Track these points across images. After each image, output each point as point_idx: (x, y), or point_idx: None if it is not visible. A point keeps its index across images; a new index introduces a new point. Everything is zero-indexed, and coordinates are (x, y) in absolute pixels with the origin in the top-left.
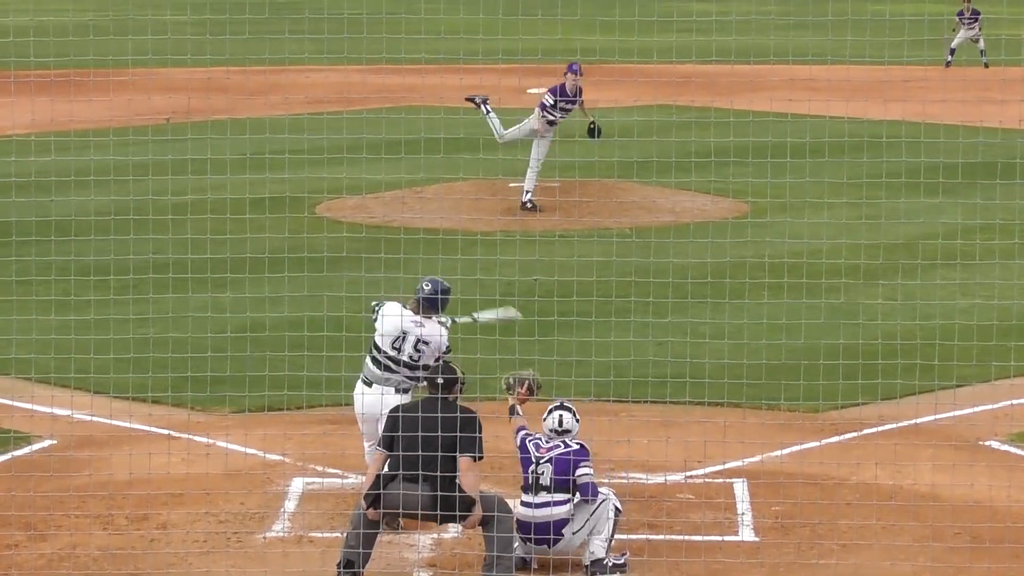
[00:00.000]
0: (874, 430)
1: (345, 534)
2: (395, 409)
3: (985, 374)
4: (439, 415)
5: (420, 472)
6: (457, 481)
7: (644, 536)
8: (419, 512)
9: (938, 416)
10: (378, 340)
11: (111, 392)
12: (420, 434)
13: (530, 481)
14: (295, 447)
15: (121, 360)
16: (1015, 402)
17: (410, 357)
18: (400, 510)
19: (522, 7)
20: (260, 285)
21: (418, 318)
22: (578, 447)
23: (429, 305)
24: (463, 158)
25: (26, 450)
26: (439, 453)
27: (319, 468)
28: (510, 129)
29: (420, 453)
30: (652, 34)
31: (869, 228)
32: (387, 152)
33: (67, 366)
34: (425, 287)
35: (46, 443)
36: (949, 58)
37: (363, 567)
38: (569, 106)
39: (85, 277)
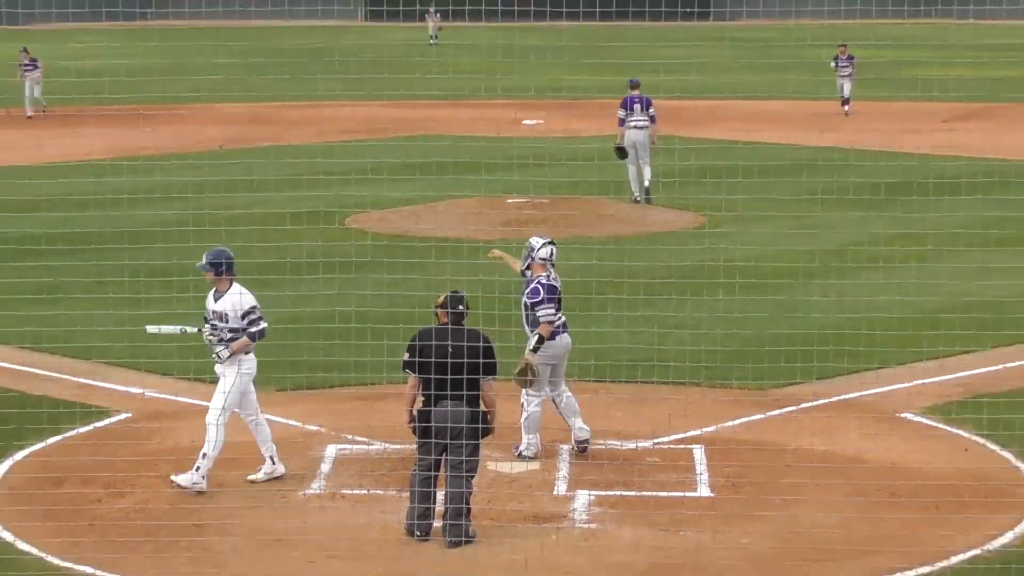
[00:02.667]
0: (809, 404)
1: (411, 492)
2: (420, 336)
3: (901, 358)
4: (464, 343)
5: (463, 393)
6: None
7: (619, 492)
8: (463, 426)
9: (862, 393)
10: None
11: (175, 374)
12: (449, 360)
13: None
14: (329, 419)
15: (183, 347)
16: (926, 381)
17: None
18: (448, 424)
19: (517, 52)
20: (299, 285)
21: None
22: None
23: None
24: (468, 178)
25: (106, 422)
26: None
27: (349, 436)
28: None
29: (462, 376)
30: (625, 74)
31: (807, 237)
32: (405, 173)
33: (139, 352)
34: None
35: (123, 416)
36: (846, 108)
37: (433, 518)
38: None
39: (152, 278)
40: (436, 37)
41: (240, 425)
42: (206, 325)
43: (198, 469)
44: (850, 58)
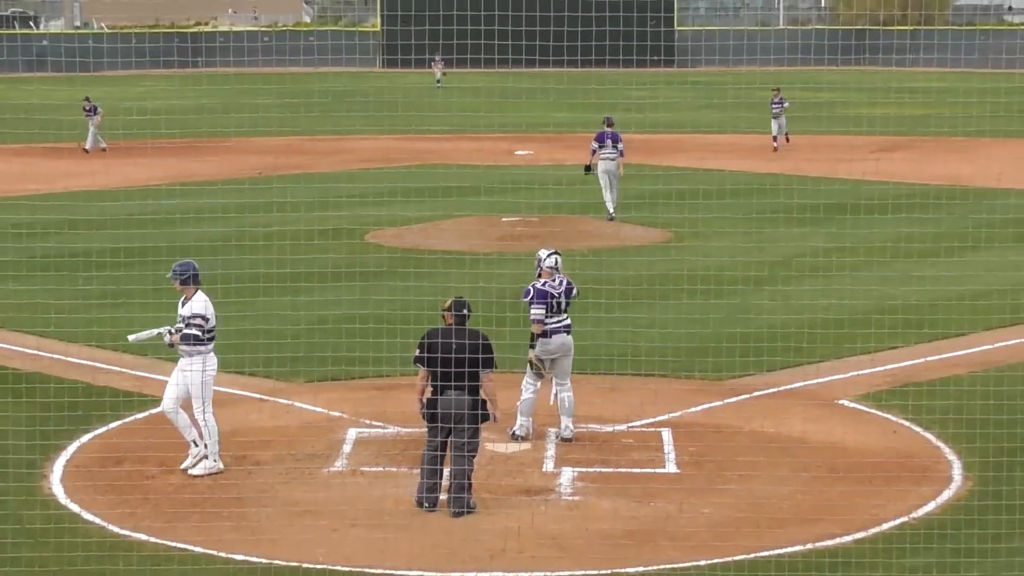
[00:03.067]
0: (760, 393)
1: (421, 469)
2: (429, 335)
3: (838, 352)
4: (466, 341)
5: (465, 384)
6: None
7: (598, 469)
8: (466, 412)
9: (806, 383)
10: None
11: (219, 368)
12: (454, 355)
13: (552, 308)
14: (350, 406)
15: (227, 344)
16: (860, 372)
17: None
18: (453, 411)
19: (511, 94)
20: (325, 291)
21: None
22: (568, 279)
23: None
24: (469, 200)
25: (160, 409)
26: (468, 369)
27: (367, 421)
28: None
29: (464, 369)
30: (602, 112)
31: (757, 250)
32: (415, 196)
33: None
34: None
35: None
36: (775, 144)
37: (440, 492)
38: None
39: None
40: (441, 81)
41: (276, 409)
42: (177, 325)
43: (206, 457)
44: (781, 100)
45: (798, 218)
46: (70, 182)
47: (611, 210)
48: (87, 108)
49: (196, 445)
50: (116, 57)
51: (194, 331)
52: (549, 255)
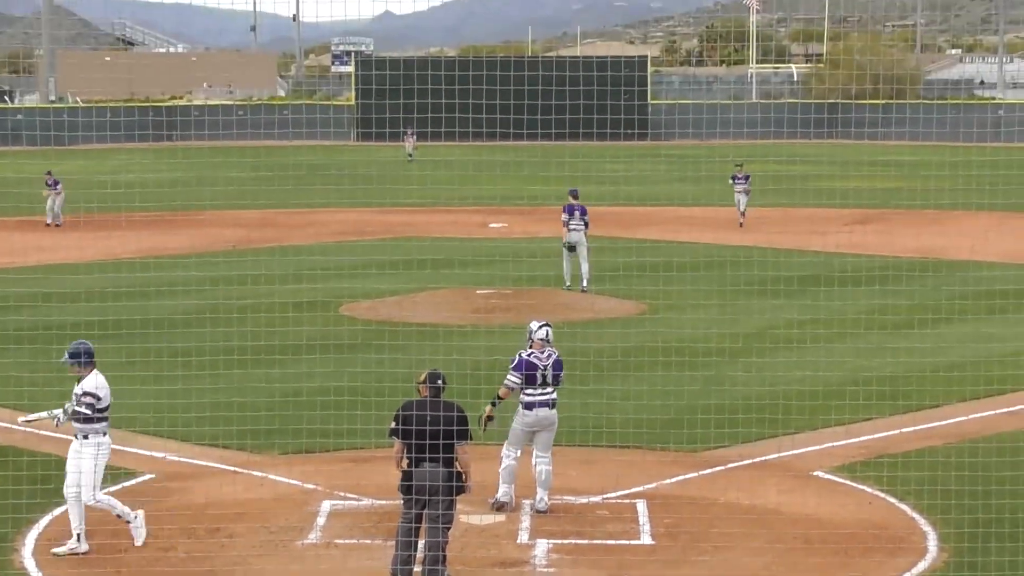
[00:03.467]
0: (735, 464)
1: (395, 541)
2: (404, 407)
3: (813, 424)
4: (441, 413)
5: (440, 456)
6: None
7: (573, 540)
8: (440, 484)
9: (780, 454)
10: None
11: (193, 440)
12: (428, 428)
13: (538, 380)
14: (324, 478)
15: (201, 417)
16: (835, 444)
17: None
18: (428, 483)
19: (485, 166)
20: (299, 364)
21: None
22: (558, 353)
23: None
24: (443, 272)
25: (133, 482)
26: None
27: (341, 493)
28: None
29: (440, 441)
30: (578, 185)
31: (731, 321)
32: (389, 269)
33: (162, 421)
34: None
35: (147, 476)
36: (741, 220)
37: (414, 564)
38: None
39: (174, 358)
40: (412, 155)
41: (249, 482)
42: (69, 403)
43: (79, 538)
44: (746, 176)
45: (772, 290)
46: (43, 256)
47: (568, 281)
48: (49, 182)
49: (78, 541)
50: (91, 131)
51: (84, 409)
52: (540, 327)
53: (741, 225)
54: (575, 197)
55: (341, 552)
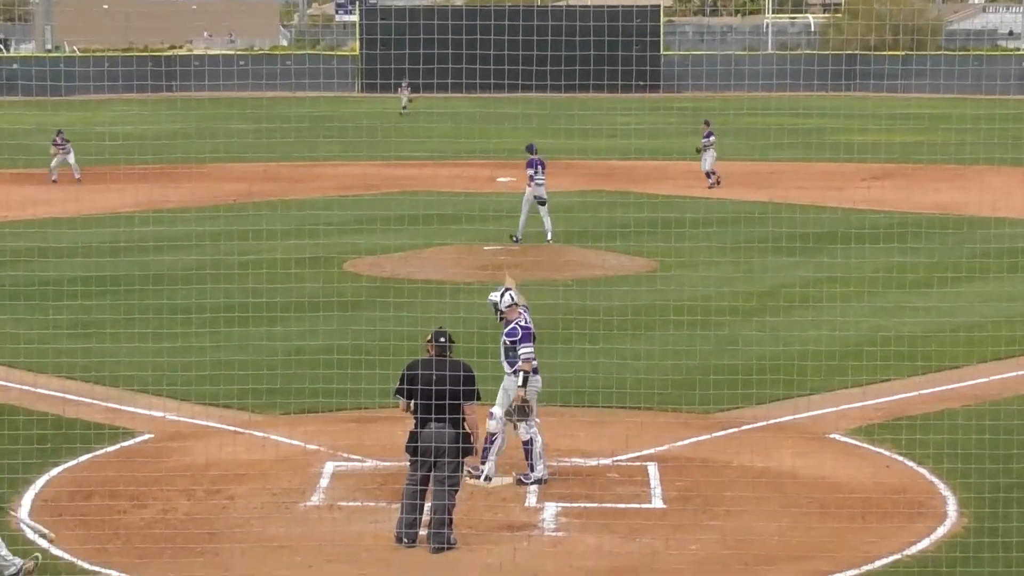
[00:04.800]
0: (749, 426)
1: (401, 504)
2: (410, 367)
3: (829, 385)
4: (447, 372)
5: (447, 416)
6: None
7: (583, 504)
8: (447, 446)
9: (795, 416)
10: None
11: (193, 399)
12: (435, 387)
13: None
14: (327, 439)
15: (201, 376)
16: (851, 406)
17: None
18: (434, 444)
19: (492, 119)
20: (302, 321)
21: None
22: None
23: None
24: (450, 228)
25: (131, 442)
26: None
27: (345, 455)
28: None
29: (446, 402)
30: (587, 138)
31: (746, 279)
32: (395, 224)
33: (161, 380)
34: None
35: (146, 436)
36: (710, 181)
37: (419, 528)
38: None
39: (174, 315)
40: (407, 107)
41: (251, 442)
42: None
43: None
44: (710, 134)
45: (787, 247)
46: (39, 209)
47: (550, 235)
48: (58, 141)
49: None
50: (88, 81)
51: None
52: (502, 294)
53: (711, 186)
54: (534, 152)
55: (344, 515)
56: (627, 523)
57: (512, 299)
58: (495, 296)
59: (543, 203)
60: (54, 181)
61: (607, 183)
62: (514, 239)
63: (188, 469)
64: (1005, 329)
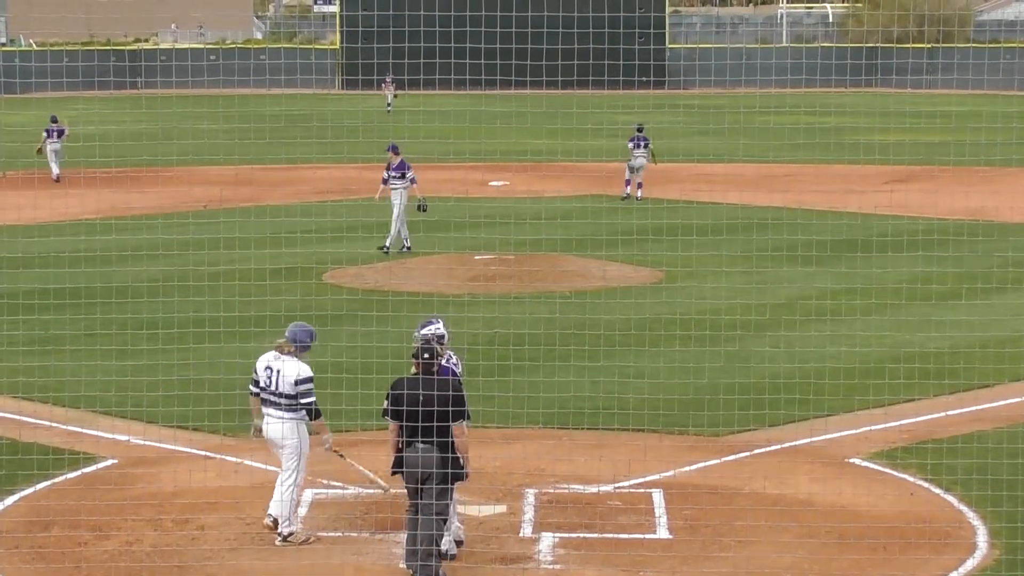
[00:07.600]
0: (762, 450)
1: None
2: (395, 385)
3: (849, 405)
4: (435, 392)
5: (434, 439)
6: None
7: (582, 534)
8: (433, 470)
9: (812, 439)
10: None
11: (160, 422)
12: (421, 408)
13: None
14: (306, 464)
15: (168, 396)
16: (873, 428)
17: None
18: (419, 468)
19: (484, 118)
20: (278, 337)
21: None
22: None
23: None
24: (438, 236)
25: (93, 468)
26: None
27: (324, 481)
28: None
29: (433, 424)
30: (585, 139)
31: (758, 291)
32: (378, 232)
33: (125, 401)
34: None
35: (109, 462)
36: (626, 191)
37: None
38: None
39: (139, 331)
40: (391, 104)
41: (223, 468)
42: None
43: None
44: (645, 140)
45: (803, 256)
46: None
47: (406, 243)
48: (52, 130)
49: None
50: (46, 77)
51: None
52: (435, 328)
53: (627, 198)
54: (398, 152)
55: (325, 546)
56: (630, 555)
57: (445, 336)
58: (437, 327)
59: (424, 209)
60: (56, 180)
61: (608, 187)
62: (397, 248)
63: (155, 497)
64: None
